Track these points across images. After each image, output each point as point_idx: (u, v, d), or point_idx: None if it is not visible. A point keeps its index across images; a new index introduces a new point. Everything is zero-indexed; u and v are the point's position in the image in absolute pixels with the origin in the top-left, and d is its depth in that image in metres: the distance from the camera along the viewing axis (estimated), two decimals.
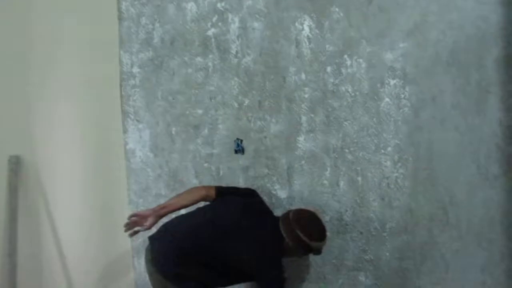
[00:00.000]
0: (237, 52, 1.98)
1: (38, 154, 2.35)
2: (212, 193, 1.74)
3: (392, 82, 1.79)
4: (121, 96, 2.11)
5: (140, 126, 2.08)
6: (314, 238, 1.62)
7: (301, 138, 1.89)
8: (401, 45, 1.78)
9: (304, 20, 1.88)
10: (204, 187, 1.82)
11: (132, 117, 2.09)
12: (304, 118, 1.88)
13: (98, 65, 2.21)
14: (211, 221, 1.64)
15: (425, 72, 1.77)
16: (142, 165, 2.07)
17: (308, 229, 1.61)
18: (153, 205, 2.06)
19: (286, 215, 1.66)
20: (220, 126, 1.98)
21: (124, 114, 2.10)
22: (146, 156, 2.07)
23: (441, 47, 1.75)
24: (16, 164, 2.32)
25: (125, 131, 2.10)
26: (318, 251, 1.67)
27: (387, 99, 1.79)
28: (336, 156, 1.85)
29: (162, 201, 2.04)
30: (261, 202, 1.80)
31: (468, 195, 1.75)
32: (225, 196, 1.74)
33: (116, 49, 2.13)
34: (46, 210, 2.34)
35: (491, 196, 1.74)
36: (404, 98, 1.78)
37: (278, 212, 1.90)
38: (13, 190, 2.32)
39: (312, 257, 1.89)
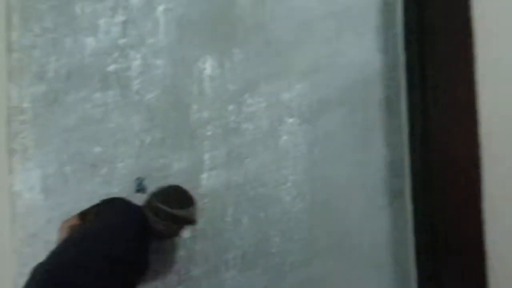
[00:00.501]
0: (139, 88, 1.95)
1: None
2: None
3: (289, 120, 1.90)
4: (8, 133, 1.93)
5: (29, 165, 1.91)
6: (176, 206, 1.63)
7: (204, 176, 1.89)
8: (297, 86, 1.91)
9: (206, 59, 1.93)
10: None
11: (20, 156, 1.92)
12: (206, 156, 1.89)
13: None
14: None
15: (319, 111, 1.91)
16: (30, 209, 1.89)
17: (167, 199, 1.64)
18: (43, 253, 1.89)
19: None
20: (120, 164, 1.90)
21: (11, 153, 1.92)
22: (35, 198, 1.89)
23: (332, 89, 1.91)
24: None
25: (11, 171, 1.91)
26: (186, 220, 1.67)
27: (285, 137, 1.89)
28: (239, 192, 1.88)
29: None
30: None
31: (360, 224, 1.89)
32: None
33: (3, 82, 1.97)
34: None
35: (380, 225, 1.90)
36: (300, 136, 1.89)
37: (182, 253, 1.86)
38: None
39: None
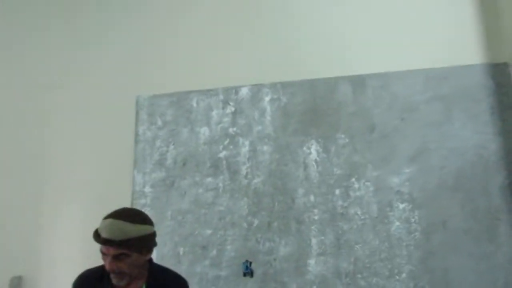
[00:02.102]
0: (247, 173, 2.05)
1: (41, 273, 2.28)
2: None
3: (400, 206, 1.82)
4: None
5: None
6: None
7: (311, 261, 1.84)
8: (406, 170, 1.85)
9: (312, 144, 1.99)
10: None
11: None
12: (314, 241, 1.86)
13: (112, 185, 2.27)
14: None
15: (432, 197, 1.80)
16: None
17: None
18: None
19: None
20: (228, 247, 1.95)
21: None
22: None
23: (445, 173, 1.81)
24: (17, 286, 2.23)
25: None
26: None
27: (397, 223, 1.80)
28: (349, 281, 1.79)
29: None
30: None
31: None
32: None
33: (130, 169, 2.21)
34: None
35: None
36: (414, 222, 1.79)
37: None
38: None
39: None
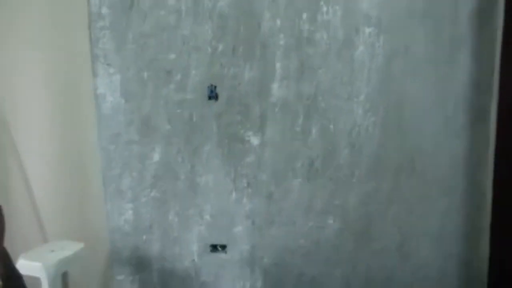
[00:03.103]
0: None
1: (5, 103, 2.28)
2: None
3: (367, 30, 1.78)
4: (90, 39, 2.02)
5: (111, 70, 2.01)
6: None
7: (275, 85, 1.88)
8: None
9: None
10: None
11: (102, 60, 2.02)
12: (278, 65, 1.86)
13: (65, 6, 2.11)
14: None
15: (399, 22, 1.76)
16: (113, 111, 2.03)
17: None
18: (125, 152, 2.06)
19: None
20: (193, 71, 1.94)
21: (94, 57, 2.02)
22: (117, 101, 2.02)
23: None
24: None
25: (95, 75, 2.03)
26: None
27: (361, 48, 1.79)
28: (309, 103, 1.86)
29: (134, 147, 2.04)
30: None
31: (435, 144, 1.81)
32: None
33: None
34: (15, 155, 2.30)
35: (457, 146, 1.81)
36: (378, 47, 1.78)
37: (251, 158, 1.93)
38: None
39: (282, 203, 1.94)
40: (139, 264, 2.15)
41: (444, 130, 1.79)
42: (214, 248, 2.07)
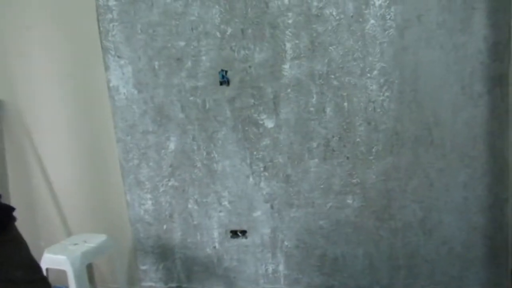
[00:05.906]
0: None
1: (20, 98, 2.31)
2: None
3: (377, 2, 1.74)
4: (100, 32, 2.03)
5: (122, 62, 2.02)
6: None
7: (286, 66, 1.86)
8: None
9: None
10: None
11: (113, 53, 2.03)
12: (288, 45, 1.84)
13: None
14: None
15: None
16: (127, 102, 2.04)
17: None
18: (141, 142, 2.07)
19: None
20: (203, 57, 1.93)
21: (105, 50, 2.04)
22: (130, 92, 2.03)
23: None
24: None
25: (107, 68, 2.04)
26: None
27: (372, 21, 1.75)
28: (322, 82, 1.84)
29: (150, 137, 2.05)
30: None
31: (452, 114, 1.77)
32: None
33: None
34: (34, 153, 2.33)
35: (475, 115, 1.76)
36: (389, 19, 1.74)
37: (267, 141, 1.93)
38: None
39: (300, 184, 1.93)
40: (162, 253, 2.18)
41: (462, 99, 1.75)
42: (235, 234, 2.08)
